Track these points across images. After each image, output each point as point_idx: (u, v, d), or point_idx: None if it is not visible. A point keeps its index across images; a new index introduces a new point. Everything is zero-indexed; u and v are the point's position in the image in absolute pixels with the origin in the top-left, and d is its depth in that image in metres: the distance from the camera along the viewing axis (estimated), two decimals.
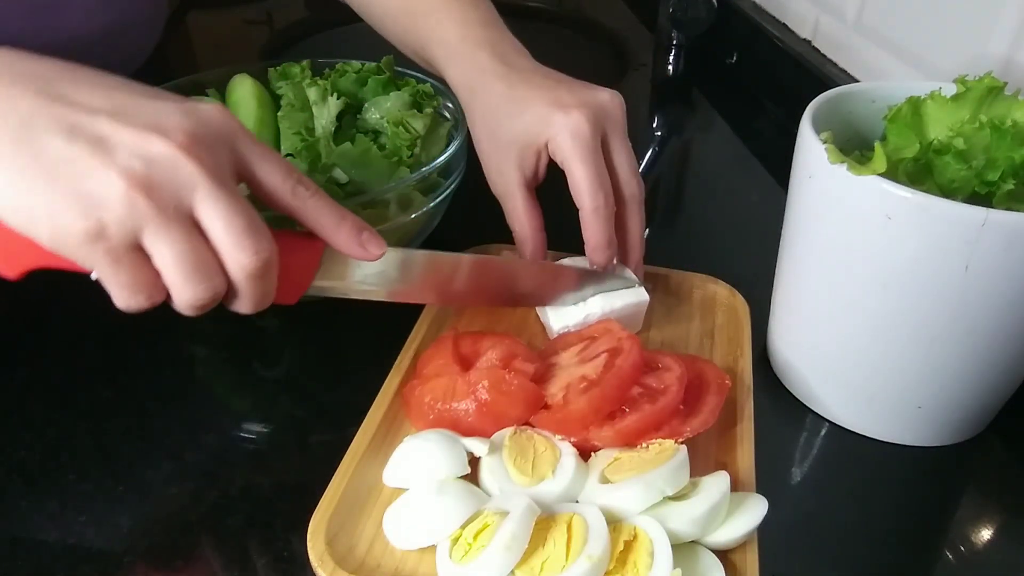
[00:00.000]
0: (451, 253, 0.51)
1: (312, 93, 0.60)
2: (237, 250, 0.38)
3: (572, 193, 0.51)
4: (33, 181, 0.35)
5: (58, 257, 0.37)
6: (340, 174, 0.56)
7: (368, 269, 0.47)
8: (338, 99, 0.60)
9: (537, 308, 0.57)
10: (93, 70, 0.39)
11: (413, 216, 0.56)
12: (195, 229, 0.37)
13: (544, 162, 0.54)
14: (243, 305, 0.41)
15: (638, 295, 0.54)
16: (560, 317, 0.53)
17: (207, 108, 0.39)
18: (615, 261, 0.55)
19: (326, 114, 0.59)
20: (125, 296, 0.38)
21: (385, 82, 0.63)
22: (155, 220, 0.36)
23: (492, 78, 0.55)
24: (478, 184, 0.57)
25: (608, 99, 0.53)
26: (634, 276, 0.55)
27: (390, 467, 0.44)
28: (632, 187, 0.54)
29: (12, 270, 0.39)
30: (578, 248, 0.53)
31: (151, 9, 0.73)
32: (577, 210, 0.52)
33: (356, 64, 0.64)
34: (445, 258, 0.51)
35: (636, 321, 0.55)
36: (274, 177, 0.41)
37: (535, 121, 0.52)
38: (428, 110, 0.61)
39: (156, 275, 0.37)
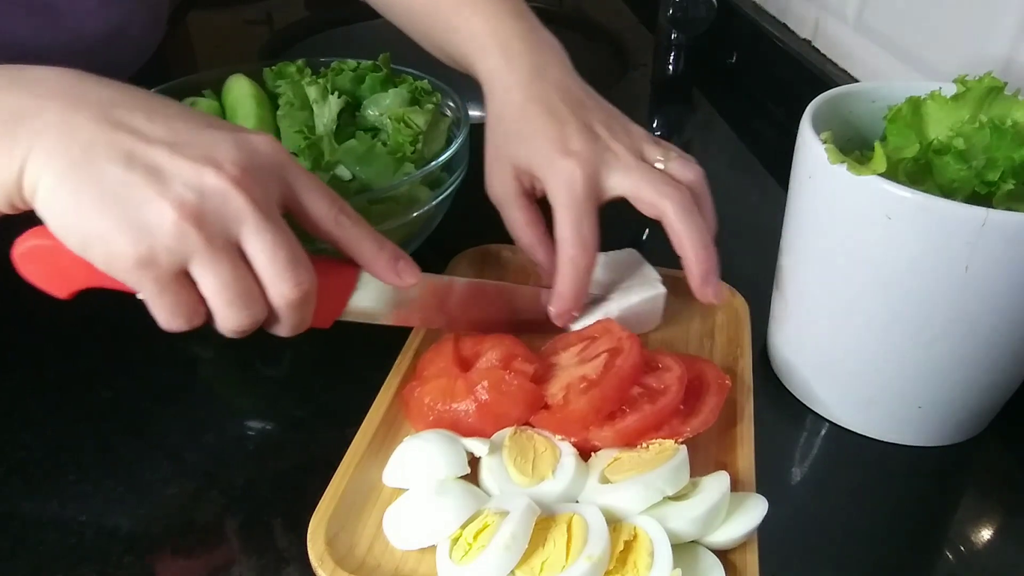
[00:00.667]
0: (486, 280, 0.52)
1: (312, 92, 0.59)
2: (279, 281, 0.39)
3: (555, 235, 0.51)
4: (91, 206, 0.36)
5: (107, 278, 0.38)
6: (343, 171, 0.56)
7: (399, 295, 0.48)
8: (339, 97, 0.60)
9: None
10: (152, 95, 0.41)
11: (417, 213, 0.56)
12: (240, 259, 0.39)
13: (540, 185, 0.53)
14: (282, 330, 0.42)
15: (654, 288, 0.54)
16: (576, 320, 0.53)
17: (258, 140, 0.40)
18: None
19: (327, 112, 0.59)
20: (166, 318, 0.39)
21: (383, 79, 0.63)
22: (203, 250, 0.37)
23: (514, 83, 0.54)
24: (478, 184, 0.57)
25: (606, 150, 0.51)
26: (655, 274, 0.55)
27: (390, 467, 0.44)
28: (662, 204, 0.49)
29: (62, 290, 0.41)
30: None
31: (151, 11, 0.73)
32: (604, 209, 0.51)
33: (352, 62, 0.64)
34: (480, 284, 0.52)
35: (655, 316, 0.55)
36: (319, 207, 0.42)
37: (536, 153, 0.52)
38: (429, 106, 0.61)
39: (198, 300, 0.39)
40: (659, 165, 0.52)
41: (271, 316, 0.41)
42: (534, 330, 0.54)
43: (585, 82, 0.56)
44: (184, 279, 0.38)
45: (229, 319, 0.40)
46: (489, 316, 0.53)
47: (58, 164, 0.36)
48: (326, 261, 0.44)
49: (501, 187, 0.55)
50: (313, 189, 0.42)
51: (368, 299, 0.47)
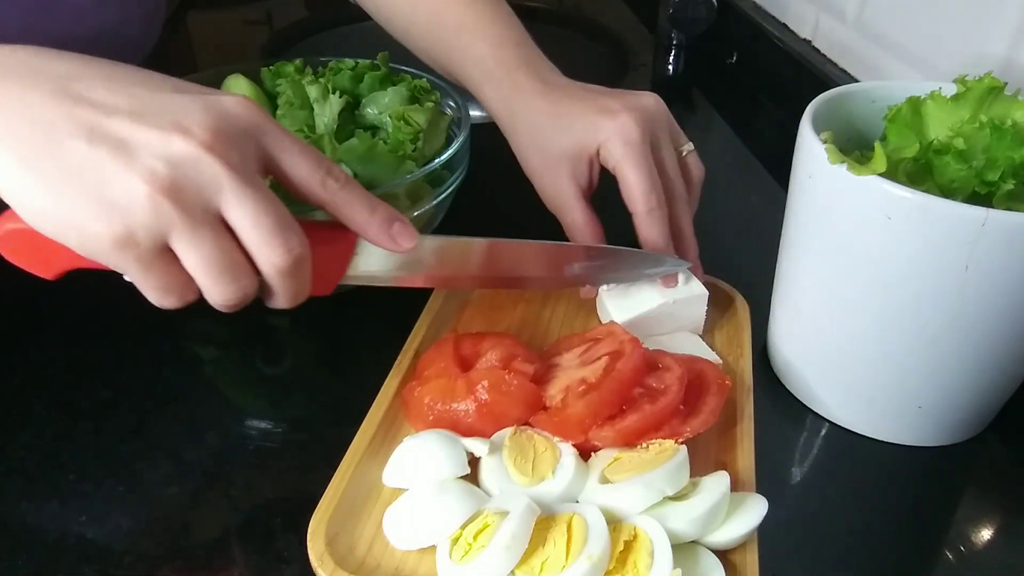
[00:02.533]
0: (482, 238, 0.50)
1: (313, 91, 0.59)
2: (267, 249, 0.38)
3: (624, 197, 0.51)
4: (59, 188, 0.35)
5: (90, 260, 0.37)
6: (344, 170, 0.56)
7: (404, 257, 0.47)
8: (340, 96, 0.60)
9: (596, 302, 0.56)
10: (112, 63, 0.39)
11: (419, 212, 0.56)
12: (223, 229, 0.37)
13: (597, 170, 0.54)
14: (279, 301, 0.41)
15: (693, 290, 0.54)
16: (618, 311, 0.53)
17: (230, 101, 0.38)
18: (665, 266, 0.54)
19: (328, 111, 0.59)
20: (157, 297, 0.38)
21: (381, 78, 0.63)
22: (181, 223, 0.35)
23: (532, 96, 0.55)
24: (478, 183, 0.57)
25: (652, 102, 0.54)
26: (700, 285, 0.55)
27: (390, 467, 0.44)
28: (679, 186, 0.54)
29: (49, 271, 0.40)
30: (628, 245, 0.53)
31: (147, 11, 0.72)
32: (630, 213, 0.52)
33: (350, 61, 0.64)
34: (477, 243, 0.50)
35: (698, 319, 0.55)
36: (302, 169, 0.40)
37: (584, 130, 0.52)
38: (429, 104, 0.61)
39: (187, 276, 0.38)
40: (683, 151, 0.56)
41: (266, 287, 0.40)
42: (552, 287, 0.54)
43: None
44: (169, 255, 0.37)
45: (218, 293, 0.38)
46: (499, 275, 0.52)
47: (20, 148, 0.35)
48: (321, 225, 0.43)
49: (555, 192, 0.55)
50: (295, 151, 0.40)
51: (372, 263, 0.46)
